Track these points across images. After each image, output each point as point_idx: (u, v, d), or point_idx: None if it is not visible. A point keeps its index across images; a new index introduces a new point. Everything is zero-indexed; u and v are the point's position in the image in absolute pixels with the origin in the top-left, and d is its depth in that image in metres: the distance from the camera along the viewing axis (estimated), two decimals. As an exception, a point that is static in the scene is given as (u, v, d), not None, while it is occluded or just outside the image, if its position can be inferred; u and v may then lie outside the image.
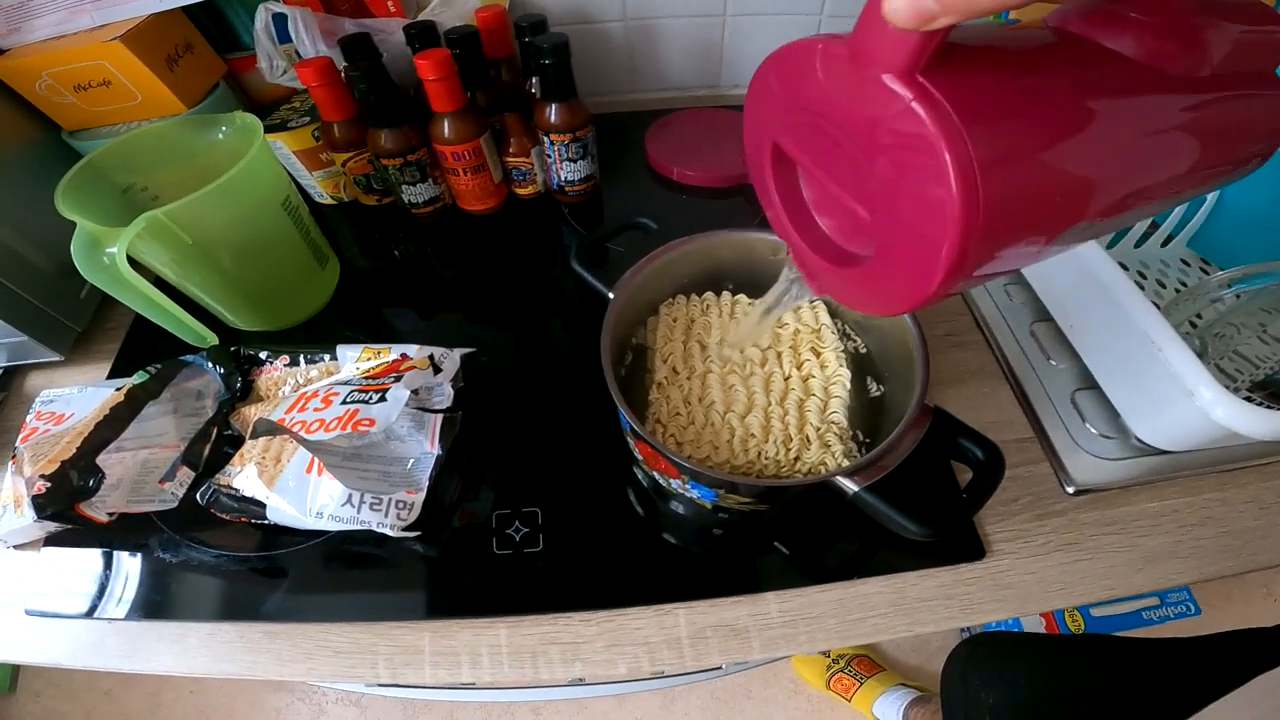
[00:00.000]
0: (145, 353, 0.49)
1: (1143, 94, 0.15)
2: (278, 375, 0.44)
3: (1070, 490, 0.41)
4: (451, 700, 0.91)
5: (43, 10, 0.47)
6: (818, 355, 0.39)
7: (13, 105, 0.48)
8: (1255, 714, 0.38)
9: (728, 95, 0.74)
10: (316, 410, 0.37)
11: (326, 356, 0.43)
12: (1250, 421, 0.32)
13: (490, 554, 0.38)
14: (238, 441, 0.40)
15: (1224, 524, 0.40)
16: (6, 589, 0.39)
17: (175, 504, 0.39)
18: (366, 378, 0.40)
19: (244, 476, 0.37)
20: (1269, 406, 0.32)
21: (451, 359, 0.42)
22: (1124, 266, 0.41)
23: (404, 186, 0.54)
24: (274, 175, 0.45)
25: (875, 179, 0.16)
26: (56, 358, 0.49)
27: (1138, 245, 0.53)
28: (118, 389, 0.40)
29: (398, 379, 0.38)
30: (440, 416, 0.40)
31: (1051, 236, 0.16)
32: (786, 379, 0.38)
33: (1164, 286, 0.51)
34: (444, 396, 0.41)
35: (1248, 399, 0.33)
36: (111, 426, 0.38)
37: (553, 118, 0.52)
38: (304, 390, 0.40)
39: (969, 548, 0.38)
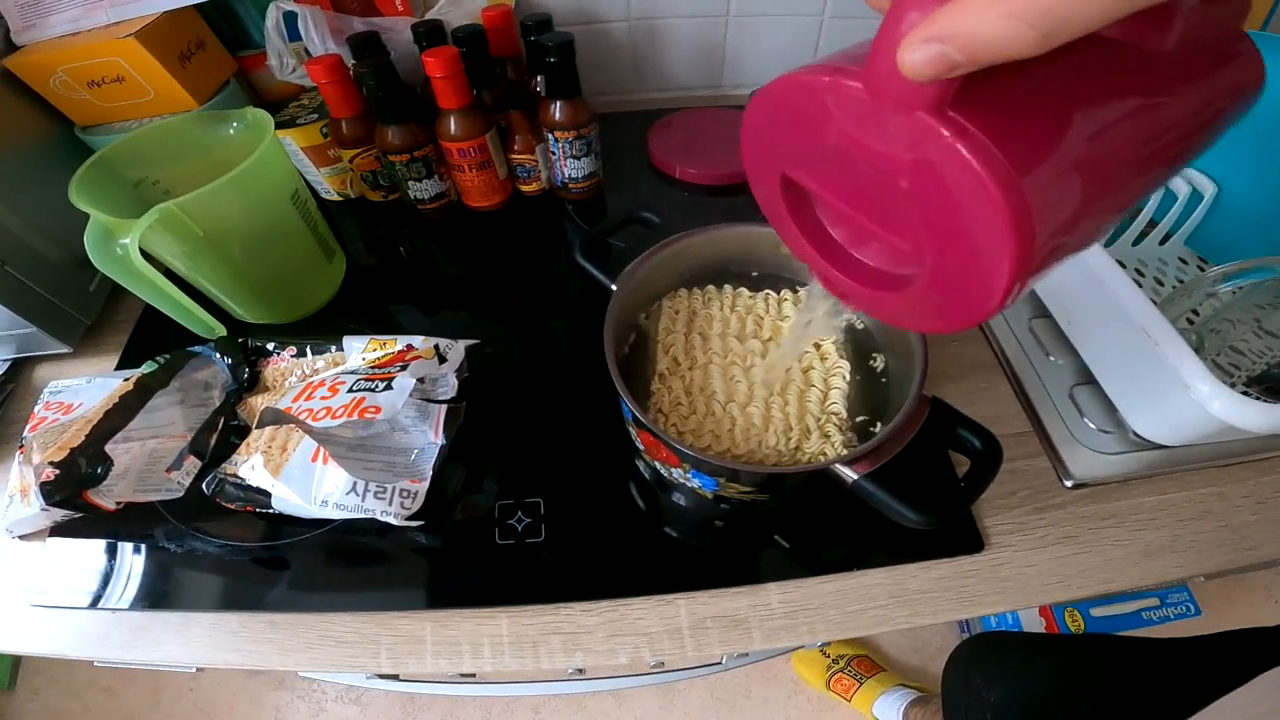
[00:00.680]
0: (153, 346, 0.50)
1: (1134, 72, 0.16)
2: (284, 366, 0.44)
3: (1068, 484, 0.41)
4: (451, 696, 0.91)
5: (58, 7, 0.48)
6: (817, 347, 0.39)
7: (27, 101, 0.49)
8: (1258, 712, 0.38)
9: (730, 95, 0.74)
10: (323, 399, 0.37)
11: (333, 347, 0.44)
12: (1247, 415, 0.32)
13: (493, 544, 0.39)
14: (244, 431, 0.41)
15: (1221, 518, 0.40)
16: (12, 580, 0.39)
17: (181, 493, 0.40)
18: (373, 367, 0.40)
19: (250, 466, 0.38)
20: (1265, 400, 0.33)
21: (456, 349, 0.42)
22: (1122, 264, 0.41)
23: (410, 183, 0.55)
24: (284, 169, 0.46)
25: (913, 209, 0.16)
26: (65, 350, 0.49)
27: (1135, 243, 0.53)
28: (127, 379, 0.41)
29: (403, 368, 0.38)
30: (445, 407, 0.41)
31: (1097, 222, 0.17)
32: (787, 370, 0.38)
33: (1162, 284, 0.51)
34: (449, 387, 0.41)
35: (1244, 393, 0.33)
36: (121, 414, 0.39)
37: (557, 115, 0.52)
38: (310, 380, 0.40)
39: (968, 540, 0.39)
